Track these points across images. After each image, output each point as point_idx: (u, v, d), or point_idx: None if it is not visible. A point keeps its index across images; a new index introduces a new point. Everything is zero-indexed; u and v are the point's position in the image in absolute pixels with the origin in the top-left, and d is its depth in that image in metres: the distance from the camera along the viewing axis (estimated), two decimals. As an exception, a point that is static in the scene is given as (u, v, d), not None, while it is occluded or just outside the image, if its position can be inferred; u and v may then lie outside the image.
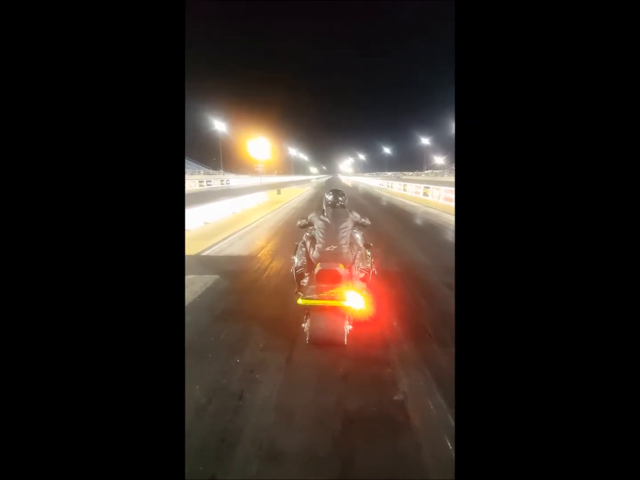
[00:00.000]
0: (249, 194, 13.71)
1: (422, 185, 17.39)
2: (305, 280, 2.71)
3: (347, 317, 2.34)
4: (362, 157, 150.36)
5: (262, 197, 15.12)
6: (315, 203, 14.42)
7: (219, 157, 52.81)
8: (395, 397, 1.92)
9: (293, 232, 7.40)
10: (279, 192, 18.96)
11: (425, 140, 70.47)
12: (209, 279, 4.02)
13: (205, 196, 13.34)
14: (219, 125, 49.12)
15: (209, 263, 4.81)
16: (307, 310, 2.36)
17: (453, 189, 12.86)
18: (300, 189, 26.77)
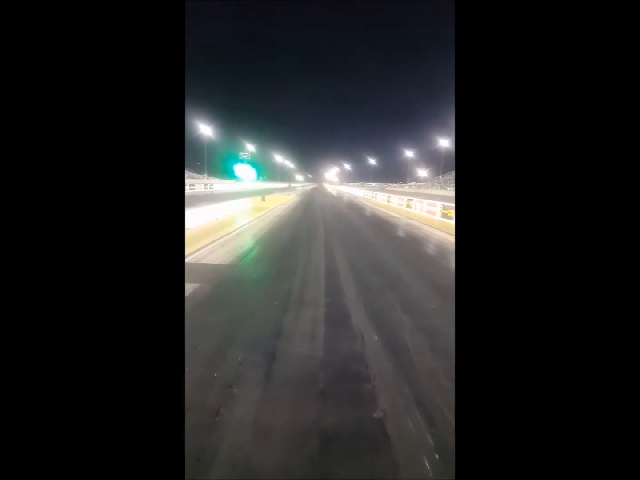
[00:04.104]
0: (232, 200, 13.56)
1: (406, 198, 17.70)
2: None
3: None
4: (347, 166, 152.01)
5: (246, 203, 15.01)
6: (299, 212, 14.42)
7: (203, 161, 52.22)
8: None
9: (276, 239, 7.36)
10: (263, 199, 18.90)
11: (409, 153, 72.01)
12: (188, 287, 3.93)
13: (188, 200, 13.10)
14: (204, 129, 48.71)
15: (188, 270, 4.70)
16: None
17: (435, 202, 13.16)
18: (285, 196, 26.75)
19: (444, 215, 11.74)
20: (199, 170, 55.84)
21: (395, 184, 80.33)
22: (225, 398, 2.01)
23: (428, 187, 55.90)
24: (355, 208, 17.92)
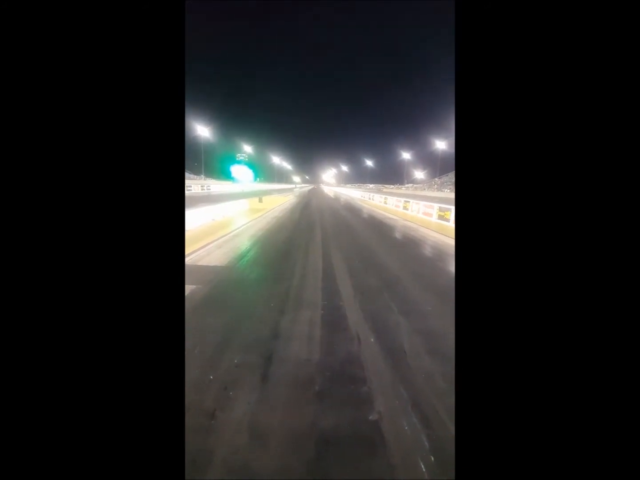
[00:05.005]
0: (229, 201, 13.55)
1: (403, 199, 17.75)
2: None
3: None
4: (344, 168, 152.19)
5: (243, 204, 14.99)
6: (297, 214, 14.42)
7: (200, 162, 52.10)
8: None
9: (273, 241, 7.35)
10: (260, 200, 18.89)
11: (406, 155, 72.20)
12: (185, 288, 3.92)
13: (185, 202, 13.08)
14: (201, 130, 48.62)
15: (186, 272, 4.68)
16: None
17: (432, 204, 13.20)
18: (283, 197, 26.77)
19: (441, 217, 11.78)
20: (196, 171, 55.77)
21: (392, 186, 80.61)
22: (221, 400, 2.01)
23: (425, 189, 56.09)
24: (352, 209, 17.95)
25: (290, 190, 50.60)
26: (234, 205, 13.54)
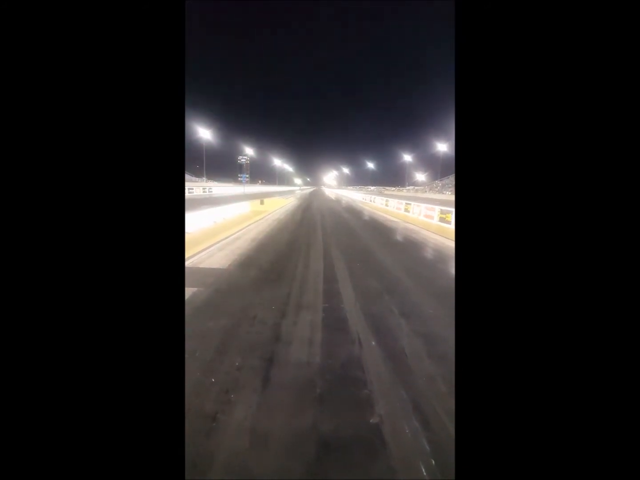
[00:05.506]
0: (231, 204, 13.58)
1: (404, 202, 17.73)
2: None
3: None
4: (346, 170, 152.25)
5: (244, 207, 15.03)
6: (298, 216, 14.44)
7: (202, 164, 52.29)
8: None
9: (275, 243, 7.36)
10: (262, 203, 18.92)
11: (407, 157, 72.18)
12: (186, 291, 3.93)
13: (187, 204, 13.10)
14: (203, 132, 48.78)
15: (186, 274, 4.70)
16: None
17: (433, 206, 13.19)
18: (284, 200, 26.82)
19: (442, 220, 11.77)
20: (197, 173, 55.98)
21: (393, 188, 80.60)
22: (222, 404, 2.01)
23: (426, 191, 56.01)
24: (353, 212, 17.96)
25: (292, 192, 50.52)
26: (235, 208, 13.56)
